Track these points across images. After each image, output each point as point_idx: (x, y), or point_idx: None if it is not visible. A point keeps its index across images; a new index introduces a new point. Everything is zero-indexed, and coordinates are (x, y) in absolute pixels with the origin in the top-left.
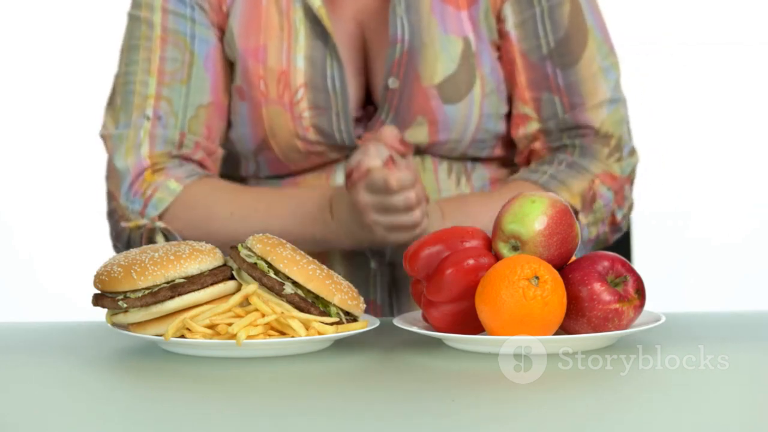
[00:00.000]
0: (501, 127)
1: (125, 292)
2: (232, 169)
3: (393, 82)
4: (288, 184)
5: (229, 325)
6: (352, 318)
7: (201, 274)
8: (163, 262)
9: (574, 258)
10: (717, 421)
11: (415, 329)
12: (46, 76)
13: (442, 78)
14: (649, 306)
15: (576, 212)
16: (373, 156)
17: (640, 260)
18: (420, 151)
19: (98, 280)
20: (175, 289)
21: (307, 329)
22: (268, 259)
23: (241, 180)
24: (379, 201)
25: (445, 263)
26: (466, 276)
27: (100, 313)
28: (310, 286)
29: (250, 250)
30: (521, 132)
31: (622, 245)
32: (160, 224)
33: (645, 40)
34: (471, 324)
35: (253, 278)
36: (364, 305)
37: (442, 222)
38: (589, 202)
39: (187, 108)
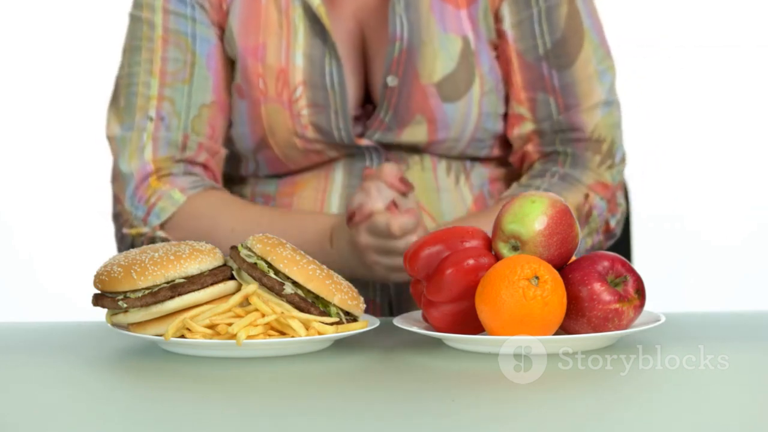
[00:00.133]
0: (499, 126)
1: (125, 292)
2: (232, 169)
3: (392, 80)
4: (287, 183)
5: (229, 325)
6: (352, 318)
7: (201, 274)
8: (163, 262)
9: (573, 258)
10: (717, 421)
11: (415, 329)
12: (46, 76)
13: (441, 76)
14: (649, 306)
15: None
16: (375, 198)
17: (640, 260)
18: (419, 149)
19: (98, 280)
20: (175, 289)
21: (307, 329)
22: (268, 259)
23: (241, 179)
24: (381, 244)
25: (445, 263)
26: (466, 276)
27: (100, 313)
28: (310, 286)
29: (250, 250)
30: (515, 132)
31: (622, 245)
32: (160, 234)
33: (642, 43)
34: (471, 324)
35: (253, 278)
36: (364, 305)
37: None
38: (585, 216)
39: (190, 108)
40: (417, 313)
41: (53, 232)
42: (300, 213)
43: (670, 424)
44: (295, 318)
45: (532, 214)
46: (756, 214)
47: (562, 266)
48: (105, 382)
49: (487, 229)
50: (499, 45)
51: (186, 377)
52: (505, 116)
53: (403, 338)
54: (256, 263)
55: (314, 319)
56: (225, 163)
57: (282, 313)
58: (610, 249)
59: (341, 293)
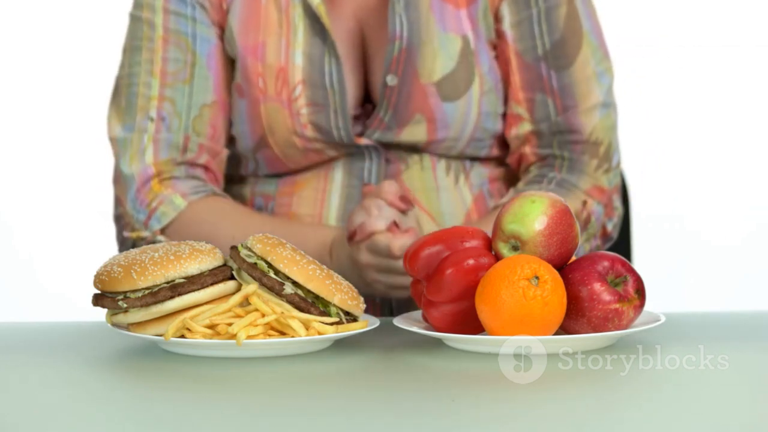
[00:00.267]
0: (499, 126)
1: (125, 292)
2: (232, 168)
3: (391, 80)
4: (287, 183)
5: (229, 325)
6: (352, 318)
7: (201, 274)
8: (163, 262)
9: (573, 258)
10: (717, 421)
11: (415, 329)
12: (47, 76)
13: (440, 76)
14: (649, 306)
15: None
16: (375, 218)
17: (640, 260)
18: (418, 149)
19: (98, 280)
20: (175, 289)
21: (307, 329)
22: (268, 259)
23: (241, 179)
24: (381, 263)
25: (445, 263)
26: (466, 276)
27: (100, 313)
28: (310, 286)
29: (250, 250)
30: (513, 132)
31: (622, 245)
32: (161, 238)
33: (642, 42)
34: (471, 324)
35: (253, 278)
36: (364, 305)
37: None
38: (583, 223)
39: (191, 108)
40: (417, 313)
41: (53, 232)
42: (300, 224)
43: (670, 424)
44: (295, 318)
45: (532, 214)
46: (756, 214)
47: (562, 266)
48: (105, 382)
49: (487, 232)
50: (498, 45)
51: (186, 377)
52: (504, 116)
53: (403, 338)
54: (256, 263)
55: (314, 319)
56: (226, 162)
57: (282, 313)
58: (610, 249)
59: (341, 293)
